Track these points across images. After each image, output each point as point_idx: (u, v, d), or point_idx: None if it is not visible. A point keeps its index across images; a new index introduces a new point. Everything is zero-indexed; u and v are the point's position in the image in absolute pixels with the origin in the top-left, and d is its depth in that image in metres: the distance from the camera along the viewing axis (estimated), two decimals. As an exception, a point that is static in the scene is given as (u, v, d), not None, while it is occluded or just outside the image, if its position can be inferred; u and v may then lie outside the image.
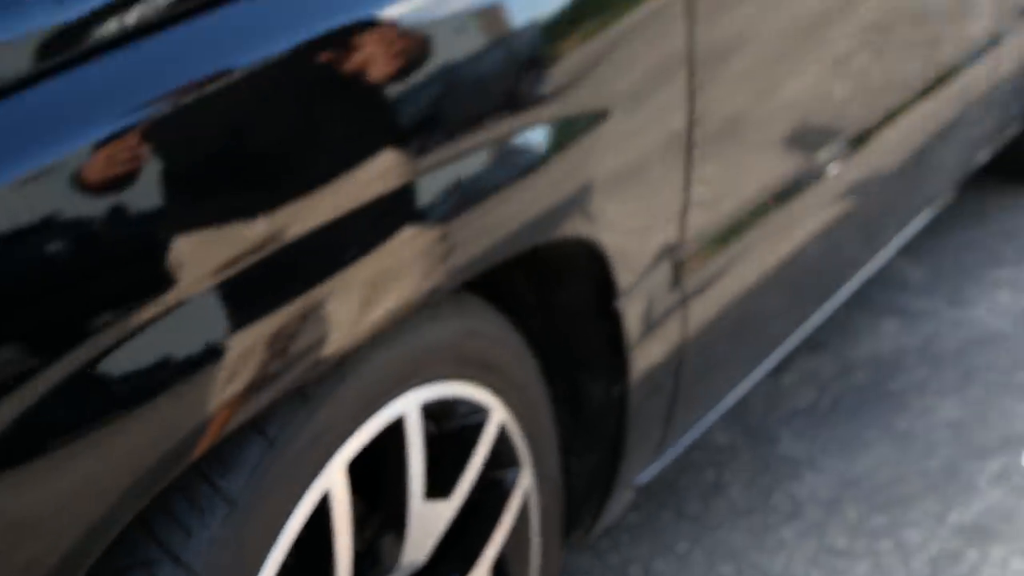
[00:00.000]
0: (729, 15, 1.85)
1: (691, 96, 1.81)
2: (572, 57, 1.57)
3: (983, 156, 3.02)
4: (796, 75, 2.09)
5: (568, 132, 1.57)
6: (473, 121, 1.42)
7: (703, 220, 1.91)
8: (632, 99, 1.68)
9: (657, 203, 1.80)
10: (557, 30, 1.54)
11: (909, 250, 3.18)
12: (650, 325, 1.82)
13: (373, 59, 1.28)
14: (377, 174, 1.29)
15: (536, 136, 1.52)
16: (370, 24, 1.29)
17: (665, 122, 1.77)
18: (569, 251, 1.66)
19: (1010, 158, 3.36)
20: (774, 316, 2.25)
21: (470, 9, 1.41)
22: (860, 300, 2.98)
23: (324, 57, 1.24)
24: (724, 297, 2.01)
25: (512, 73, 1.48)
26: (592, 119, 1.61)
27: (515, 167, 1.49)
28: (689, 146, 1.83)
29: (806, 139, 2.19)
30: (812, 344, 2.84)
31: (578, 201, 1.60)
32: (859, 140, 2.34)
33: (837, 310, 2.85)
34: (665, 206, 1.82)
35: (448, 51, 1.38)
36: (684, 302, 1.90)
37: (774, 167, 2.10)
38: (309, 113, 1.23)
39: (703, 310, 1.95)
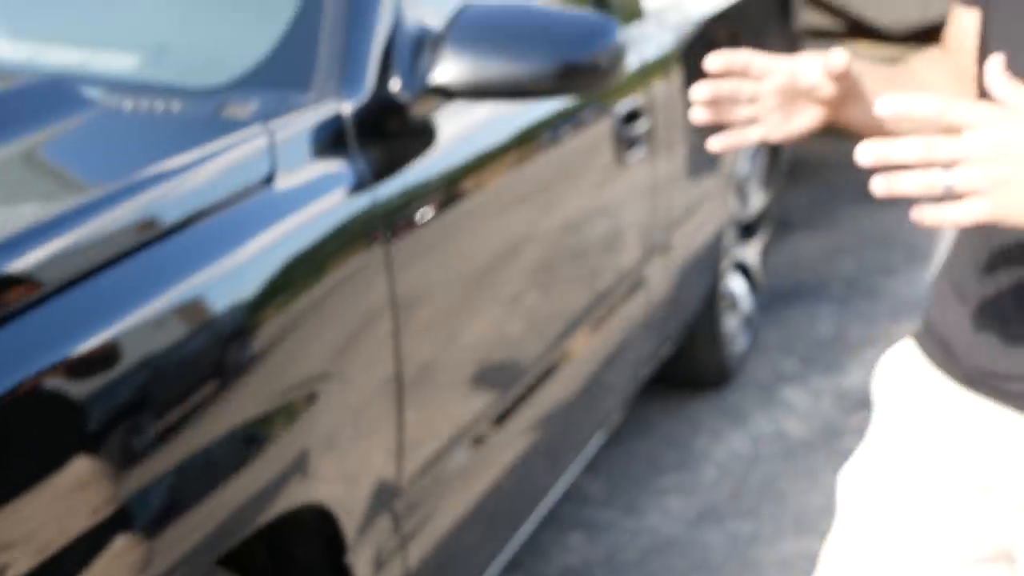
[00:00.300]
0: (420, 264, 2.03)
1: (396, 340, 1.95)
2: (277, 340, 1.68)
3: (645, 373, 3.29)
4: (480, 317, 2.28)
5: (280, 416, 1.69)
6: (178, 429, 1.51)
7: (415, 463, 2.04)
8: (342, 359, 1.81)
9: (374, 456, 1.92)
10: (257, 319, 1.66)
11: (587, 464, 3.39)
12: (377, 570, 1.92)
13: (68, 404, 1.38)
14: (84, 504, 1.38)
15: (249, 428, 1.63)
16: (61, 367, 1.38)
17: (376, 372, 1.91)
18: (299, 515, 1.76)
19: (668, 371, 3.66)
20: (479, 545, 2.39)
21: (167, 327, 1.52)
22: (547, 516, 3.15)
23: (18, 409, 1.33)
24: (437, 533, 2.14)
25: (215, 375, 1.58)
26: (304, 397, 1.73)
27: (227, 463, 1.59)
28: (399, 391, 1.97)
29: (495, 376, 2.37)
30: (508, 564, 2.97)
31: (297, 473, 1.71)
32: (540, 373, 2.53)
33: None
34: (383, 457, 1.94)
35: (146, 373, 1.47)
36: (404, 544, 2.02)
37: (470, 405, 2.26)
38: (15, 462, 1.32)
39: (420, 549, 2.07)
